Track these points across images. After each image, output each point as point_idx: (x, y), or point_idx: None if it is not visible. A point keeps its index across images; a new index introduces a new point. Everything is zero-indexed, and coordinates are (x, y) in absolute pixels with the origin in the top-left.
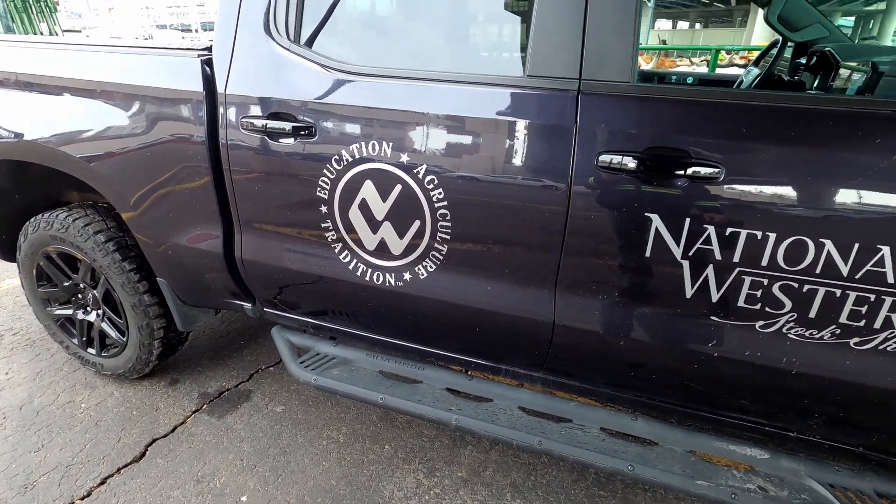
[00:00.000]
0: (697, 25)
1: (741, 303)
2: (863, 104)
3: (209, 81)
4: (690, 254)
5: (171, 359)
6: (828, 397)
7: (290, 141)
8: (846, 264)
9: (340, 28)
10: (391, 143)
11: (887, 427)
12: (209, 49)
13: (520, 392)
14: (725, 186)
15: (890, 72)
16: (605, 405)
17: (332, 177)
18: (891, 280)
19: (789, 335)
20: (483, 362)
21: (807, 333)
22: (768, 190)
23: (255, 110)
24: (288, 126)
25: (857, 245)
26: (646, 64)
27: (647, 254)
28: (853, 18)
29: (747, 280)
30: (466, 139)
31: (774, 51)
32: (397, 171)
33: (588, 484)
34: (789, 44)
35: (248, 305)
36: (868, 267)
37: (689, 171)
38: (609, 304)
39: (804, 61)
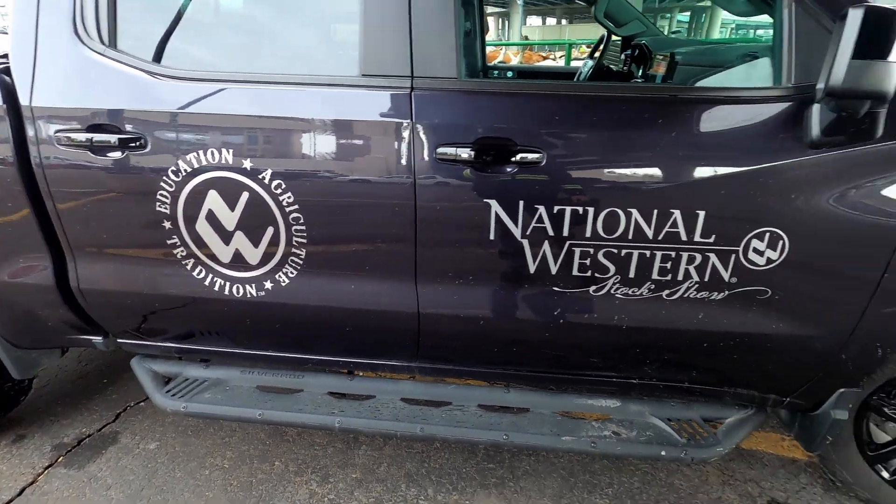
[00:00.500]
0: (564, 21)
1: (576, 272)
2: (645, 90)
3: (10, 93)
4: (528, 233)
5: (14, 412)
6: (653, 344)
7: (118, 154)
8: (650, 228)
9: (164, 30)
10: (231, 150)
11: (700, 362)
12: (6, 56)
13: (401, 384)
14: (548, 169)
15: (682, 61)
16: (484, 383)
17: (171, 189)
18: (684, 238)
19: (616, 295)
20: (361, 360)
21: (630, 292)
22: (582, 169)
23: (72, 123)
24: (113, 138)
25: (655, 211)
26: (514, 58)
27: (492, 237)
28: (689, 14)
29: (577, 251)
30: (309, 141)
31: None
32: (242, 178)
33: (478, 460)
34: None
35: (98, 339)
36: (666, 229)
37: (517, 157)
38: (465, 287)
39: (629, 53)
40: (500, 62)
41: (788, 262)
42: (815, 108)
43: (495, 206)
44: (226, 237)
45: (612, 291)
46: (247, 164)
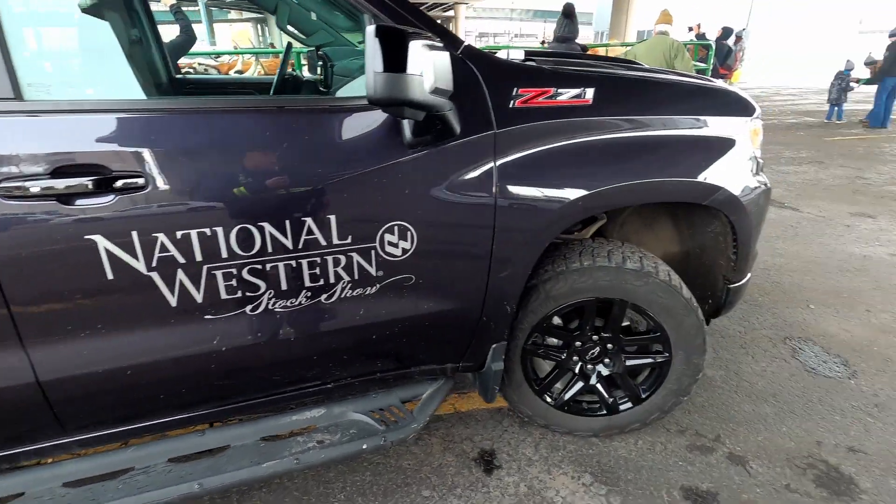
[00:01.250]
0: None
1: (224, 295)
2: (251, 103)
3: None
4: (154, 265)
5: None
6: (330, 347)
7: None
8: (288, 239)
9: None
10: None
11: (379, 351)
12: None
13: (61, 467)
14: (156, 193)
15: (337, 70)
16: (170, 434)
17: None
18: (323, 243)
19: (276, 309)
20: None
21: (288, 303)
22: (199, 189)
23: None
24: None
25: (287, 222)
26: (255, 65)
27: (110, 277)
28: None
29: (219, 274)
30: None
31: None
32: None
33: None
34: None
35: None
36: (304, 237)
37: (116, 184)
38: (95, 338)
39: (321, 63)
40: (237, 71)
41: (421, 250)
42: None
43: (103, 242)
44: None
45: (270, 307)
46: None
